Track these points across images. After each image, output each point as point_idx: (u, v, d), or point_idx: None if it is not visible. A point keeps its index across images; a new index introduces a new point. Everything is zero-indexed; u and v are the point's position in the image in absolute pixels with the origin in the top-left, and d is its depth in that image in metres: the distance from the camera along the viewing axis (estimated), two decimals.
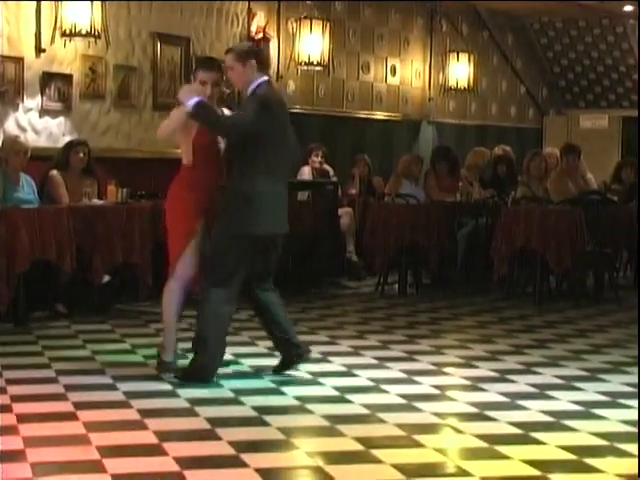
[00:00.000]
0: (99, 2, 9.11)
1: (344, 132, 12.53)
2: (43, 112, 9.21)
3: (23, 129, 8.99)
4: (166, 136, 6.32)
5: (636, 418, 5.31)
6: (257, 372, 6.27)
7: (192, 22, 10.55)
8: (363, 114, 12.86)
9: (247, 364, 6.45)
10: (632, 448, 4.77)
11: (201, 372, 5.96)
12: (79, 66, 9.47)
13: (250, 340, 7.24)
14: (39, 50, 9.09)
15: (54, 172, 8.47)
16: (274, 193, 6.03)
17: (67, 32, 9.08)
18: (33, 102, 9.12)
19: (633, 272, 11.06)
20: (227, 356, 6.48)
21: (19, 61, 8.95)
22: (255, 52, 6.24)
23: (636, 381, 6.21)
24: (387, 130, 13.18)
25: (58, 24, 9.08)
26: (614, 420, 5.31)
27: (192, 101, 5.88)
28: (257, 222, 5.95)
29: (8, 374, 6.02)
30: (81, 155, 8.57)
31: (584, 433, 5.05)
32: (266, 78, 6.13)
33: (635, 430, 5.10)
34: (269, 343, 6.51)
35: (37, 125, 9.16)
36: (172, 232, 6.10)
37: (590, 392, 5.94)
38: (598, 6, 13.73)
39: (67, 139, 9.05)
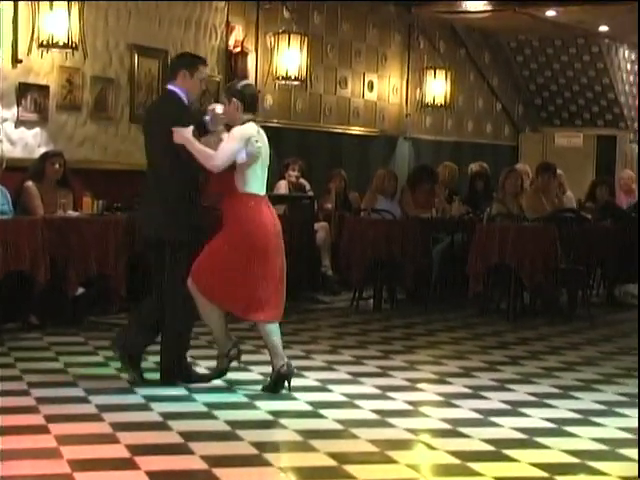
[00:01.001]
0: (76, 13, 9.09)
1: (321, 147, 12.54)
2: (19, 123, 9.16)
3: None
4: None
5: (608, 436, 5.35)
6: (231, 386, 6.26)
7: (170, 34, 10.53)
8: (340, 129, 12.88)
9: (220, 378, 6.42)
10: (604, 466, 4.79)
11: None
12: (56, 77, 9.43)
13: None
14: (16, 61, 9.04)
15: (29, 183, 8.43)
16: (148, 195, 6.33)
17: (44, 43, 9.05)
18: (9, 113, 9.08)
19: (606, 290, 11.14)
20: (202, 370, 6.48)
21: None
22: None
23: (607, 399, 6.26)
24: (364, 145, 13.20)
25: (35, 35, 9.04)
26: (586, 438, 5.32)
27: None
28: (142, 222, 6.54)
29: None
30: (57, 166, 8.54)
31: (556, 450, 5.06)
32: None
33: (607, 448, 5.13)
34: (244, 357, 6.49)
35: (13, 136, 9.12)
36: None
37: (562, 409, 5.96)
38: (574, 25, 13.83)
39: (43, 150, 9.01)
